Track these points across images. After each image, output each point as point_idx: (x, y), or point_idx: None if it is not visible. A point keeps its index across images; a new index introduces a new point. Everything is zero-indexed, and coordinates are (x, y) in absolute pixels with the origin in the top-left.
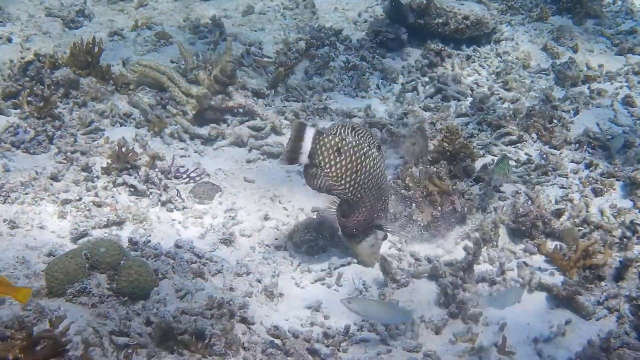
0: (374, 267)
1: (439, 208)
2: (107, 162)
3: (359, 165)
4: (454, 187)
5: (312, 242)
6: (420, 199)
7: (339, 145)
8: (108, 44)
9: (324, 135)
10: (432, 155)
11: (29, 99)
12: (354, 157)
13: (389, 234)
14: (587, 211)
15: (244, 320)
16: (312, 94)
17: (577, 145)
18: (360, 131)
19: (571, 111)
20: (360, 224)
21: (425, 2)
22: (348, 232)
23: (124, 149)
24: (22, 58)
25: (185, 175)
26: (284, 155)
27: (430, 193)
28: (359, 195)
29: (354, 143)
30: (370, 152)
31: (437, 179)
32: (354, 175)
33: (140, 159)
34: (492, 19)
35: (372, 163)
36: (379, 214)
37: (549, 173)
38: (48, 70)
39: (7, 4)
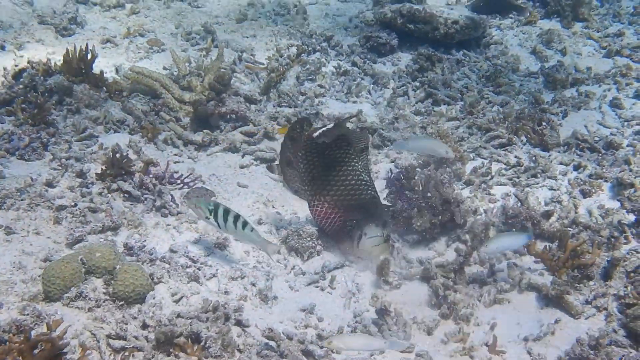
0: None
1: (439, 217)
2: (102, 169)
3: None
4: (454, 196)
5: (305, 246)
6: (423, 204)
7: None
8: (101, 51)
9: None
10: (422, 159)
11: (23, 106)
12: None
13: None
14: (575, 212)
15: (239, 323)
16: (304, 100)
17: (565, 147)
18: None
19: (560, 114)
20: (327, 217)
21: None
22: (323, 227)
23: (118, 155)
24: (16, 65)
25: (179, 181)
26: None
27: (431, 199)
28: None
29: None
30: (339, 151)
31: (442, 186)
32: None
33: (134, 165)
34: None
35: (337, 157)
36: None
37: (538, 175)
38: (42, 78)
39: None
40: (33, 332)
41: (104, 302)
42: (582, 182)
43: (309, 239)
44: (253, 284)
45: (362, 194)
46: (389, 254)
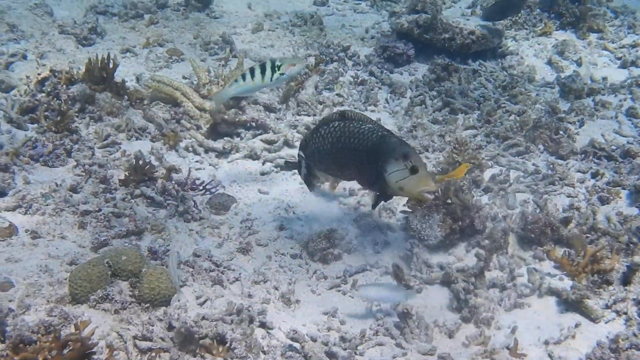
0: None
1: (459, 223)
2: (125, 175)
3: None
4: (473, 202)
5: (325, 250)
6: (443, 210)
7: None
8: (121, 60)
9: None
10: (441, 166)
11: (46, 113)
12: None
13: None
14: (594, 219)
15: (263, 325)
16: (322, 109)
17: (583, 155)
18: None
19: (577, 122)
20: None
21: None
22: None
23: (141, 162)
24: (38, 74)
25: (201, 187)
26: None
27: (451, 205)
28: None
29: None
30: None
31: (461, 193)
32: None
33: (157, 171)
34: None
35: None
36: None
37: (556, 183)
38: (64, 86)
39: (21, 21)
40: (61, 333)
41: (130, 304)
42: (600, 189)
43: (318, 240)
44: (276, 288)
45: (365, 141)
46: (428, 183)
